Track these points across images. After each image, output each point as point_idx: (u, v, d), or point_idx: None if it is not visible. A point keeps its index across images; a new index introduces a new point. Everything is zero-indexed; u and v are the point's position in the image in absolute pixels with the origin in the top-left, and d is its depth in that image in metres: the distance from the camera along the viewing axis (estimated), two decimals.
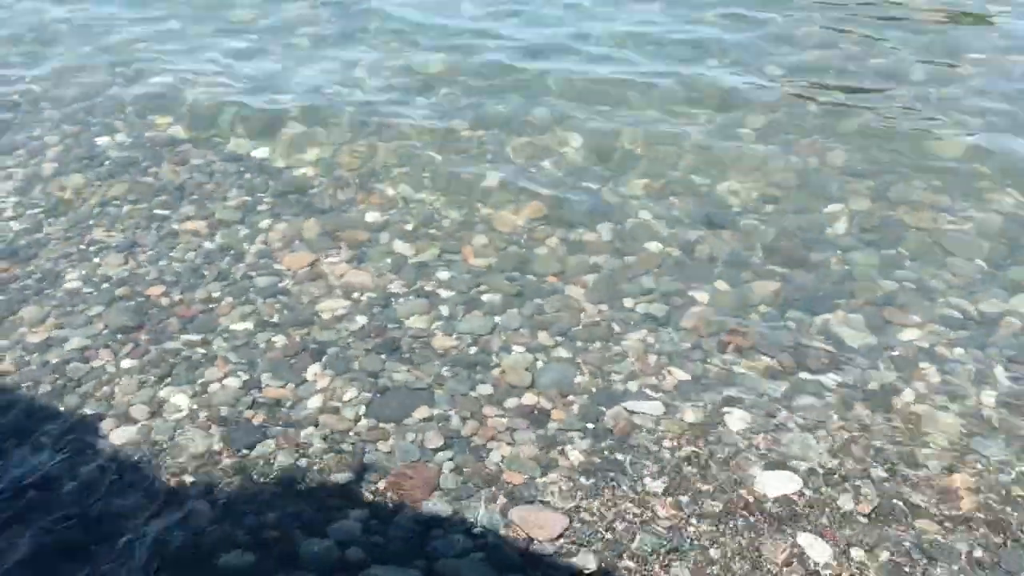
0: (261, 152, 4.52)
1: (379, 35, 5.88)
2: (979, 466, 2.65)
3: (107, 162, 4.46)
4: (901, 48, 5.41)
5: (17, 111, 5.02)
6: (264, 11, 6.33)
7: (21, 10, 6.50)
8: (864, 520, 2.49)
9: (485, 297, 3.44)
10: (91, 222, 3.99)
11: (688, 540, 2.42)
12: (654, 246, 3.72)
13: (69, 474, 2.66)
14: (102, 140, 4.68)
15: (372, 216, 3.98)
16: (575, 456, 2.72)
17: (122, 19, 6.18)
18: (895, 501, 2.54)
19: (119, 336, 3.26)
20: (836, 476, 2.63)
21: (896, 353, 3.10)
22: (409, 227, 3.89)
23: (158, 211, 4.06)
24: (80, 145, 4.63)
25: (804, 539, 2.42)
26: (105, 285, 3.56)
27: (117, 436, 2.82)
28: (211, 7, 6.40)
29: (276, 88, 5.15)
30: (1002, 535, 2.43)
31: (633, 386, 3.00)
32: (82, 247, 3.80)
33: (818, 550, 2.39)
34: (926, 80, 4.99)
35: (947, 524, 2.47)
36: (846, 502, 2.54)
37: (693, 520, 2.49)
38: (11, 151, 4.59)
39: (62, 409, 2.94)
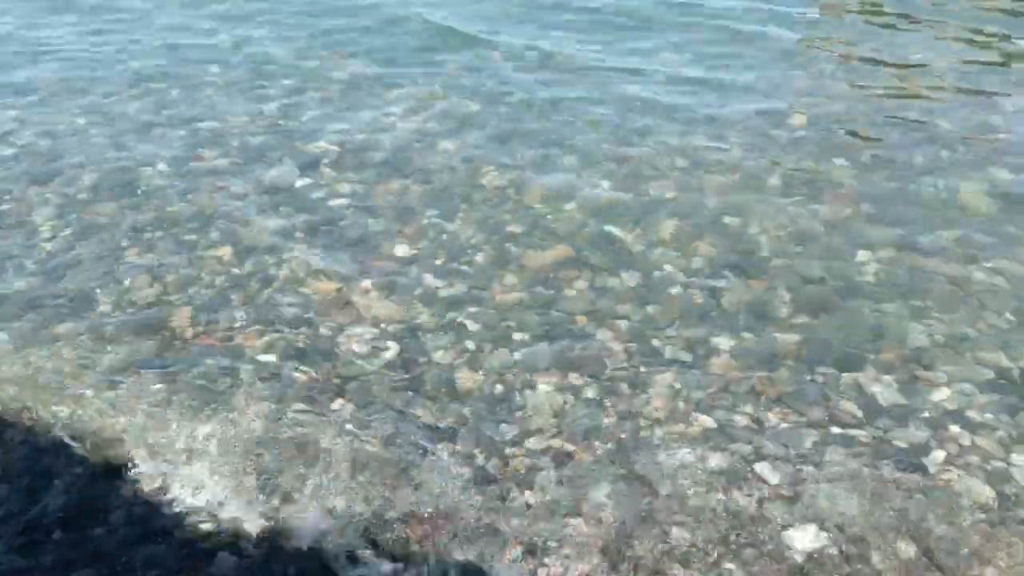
0: (297, 186, 4.58)
1: (414, 77, 5.97)
2: (1015, 526, 2.60)
3: (143, 189, 4.54)
4: (930, 99, 5.42)
5: (62, 140, 5.13)
6: (303, 55, 6.48)
7: (75, 49, 6.68)
8: None
9: (515, 336, 3.44)
10: (124, 244, 4.05)
11: None
12: (680, 292, 3.71)
13: (97, 516, 2.67)
14: (143, 170, 4.76)
15: (402, 250, 4.01)
16: (600, 502, 2.69)
17: (168, 64, 6.34)
18: (926, 560, 2.50)
19: (144, 363, 3.29)
20: (866, 533, 2.58)
21: (926, 412, 3.06)
22: (438, 262, 3.92)
23: (188, 237, 4.12)
24: (120, 172, 4.72)
25: None
26: (131, 310, 3.59)
27: (144, 476, 2.82)
28: (252, 55, 6.55)
29: (315, 128, 5.24)
30: None
31: (660, 432, 2.98)
32: (113, 269, 3.86)
33: None
34: (955, 131, 4.98)
35: None
36: (876, 560, 2.49)
37: (721, 573, 2.45)
38: (51, 177, 4.67)
39: (89, 445, 2.95)
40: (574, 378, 3.22)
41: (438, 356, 3.34)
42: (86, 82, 6.00)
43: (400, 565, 2.49)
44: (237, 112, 5.48)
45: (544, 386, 3.18)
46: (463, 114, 5.39)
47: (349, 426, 3.00)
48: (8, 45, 6.72)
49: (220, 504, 2.72)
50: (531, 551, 2.53)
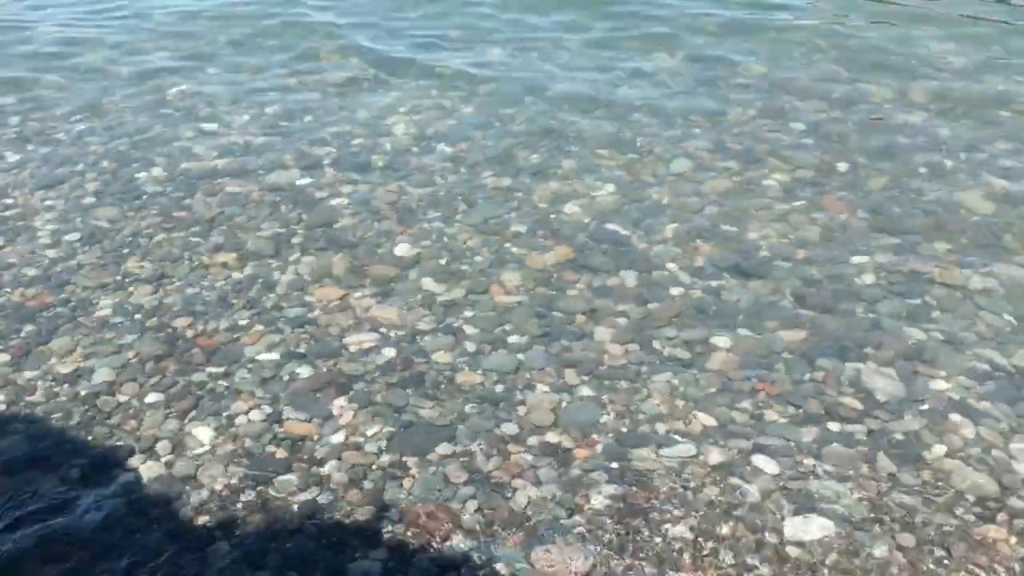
0: (295, 189, 4.60)
1: (415, 80, 6.01)
2: (1015, 520, 2.59)
3: (144, 195, 4.56)
4: (932, 103, 5.44)
5: (59, 145, 5.15)
6: (304, 55, 6.52)
7: (73, 50, 6.73)
8: (897, 571, 2.43)
9: (512, 338, 3.45)
10: (125, 251, 4.07)
11: None
12: (681, 292, 3.72)
13: (94, 507, 2.67)
14: (142, 175, 4.78)
15: (402, 251, 4.02)
16: (598, 498, 2.69)
17: (170, 66, 6.38)
18: (927, 551, 2.49)
19: (146, 367, 3.30)
20: (868, 525, 2.57)
21: (926, 405, 3.06)
22: (439, 264, 3.92)
23: (192, 240, 4.13)
24: (119, 179, 4.74)
25: None
26: (137, 316, 3.60)
27: (142, 470, 2.83)
28: (252, 53, 6.59)
29: (314, 130, 5.26)
30: None
31: (660, 428, 2.98)
32: (117, 277, 3.87)
33: None
34: (953, 137, 5.00)
35: None
36: (877, 552, 2.48)
37: (720, 567, 2.44)
38: (52, 184, 4.69)
39: (89, 440, 2.96)
40: (574, 377, 3.22)
41: (438, 356, 3.34)
42: (83, 84, 6.02)
43: (399, 560, 2.48)
44: (237, 113, 5.50)
45: (543, 385, 3.19)
46: (463, 116, 5.41)
47: (349, 425, 3.01)
48: (6, 47, 6.77)
49: (217, 499, 2.71)
50: (531, 547, 2.52)
